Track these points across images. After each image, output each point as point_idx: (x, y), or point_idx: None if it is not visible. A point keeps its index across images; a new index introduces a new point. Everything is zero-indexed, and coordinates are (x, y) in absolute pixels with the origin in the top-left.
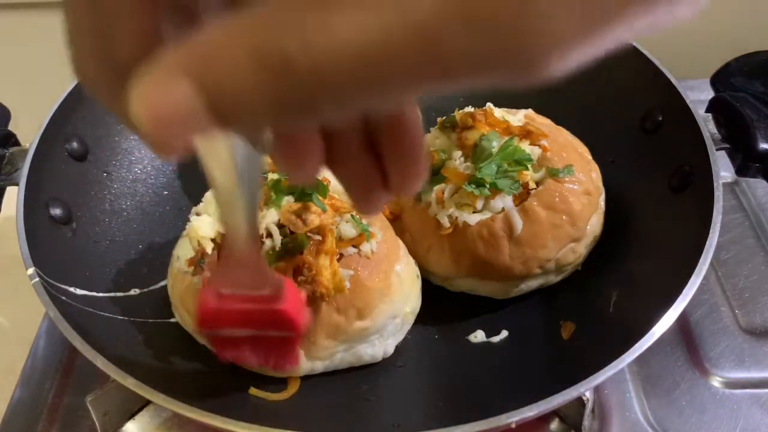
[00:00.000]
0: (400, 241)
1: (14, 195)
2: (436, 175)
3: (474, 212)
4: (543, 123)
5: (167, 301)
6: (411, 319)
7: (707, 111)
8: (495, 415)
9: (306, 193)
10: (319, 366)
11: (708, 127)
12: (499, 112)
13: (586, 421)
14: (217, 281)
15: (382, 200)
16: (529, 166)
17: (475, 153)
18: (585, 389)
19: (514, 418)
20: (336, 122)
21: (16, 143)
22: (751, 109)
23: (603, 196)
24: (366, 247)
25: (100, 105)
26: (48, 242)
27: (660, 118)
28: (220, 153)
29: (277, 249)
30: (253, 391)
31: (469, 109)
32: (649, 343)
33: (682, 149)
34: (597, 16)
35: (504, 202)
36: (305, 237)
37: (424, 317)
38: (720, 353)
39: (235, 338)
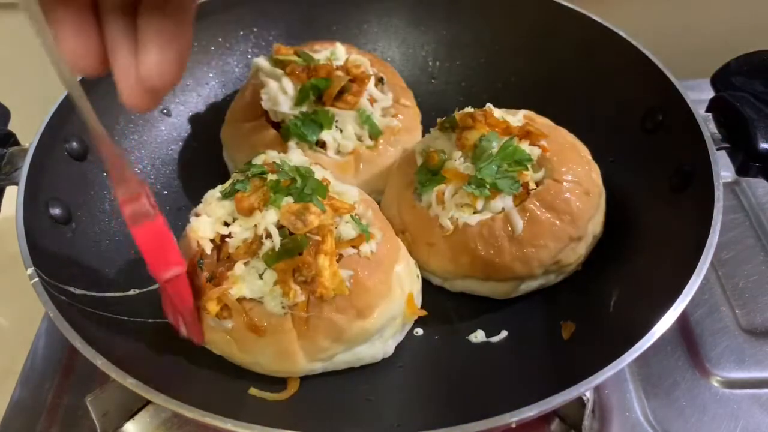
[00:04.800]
0: (400, 242)
1: (14, 195)
2: (436, 175)
3: (474, 213)
4: (543, 123)
5: None
6: (411, 320)
7: (707, 111)
8: (495, 415)
9: (305, 193)
10: (318, 367)
11: (708, 126)
12: (498, 113)
13: (586, 421)
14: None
15: (145, 95)
16: (529, 166)
17: (475, 153)
18: (585, 389)
19: (514, 418)
20: None
21: (16, 143)
22: (751, 109)
23: (603, 196)
24: (366, 248)
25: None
26: (48, 242)
27: (660, 118)
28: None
29: (277, 249)
30: (253, 391)
31: (469, 109)
32: (649, 343)
33: (682, 149)
34: None
35: (504, 202)
36: (305, 238)
37: (424, 317)
38: (720, 353)
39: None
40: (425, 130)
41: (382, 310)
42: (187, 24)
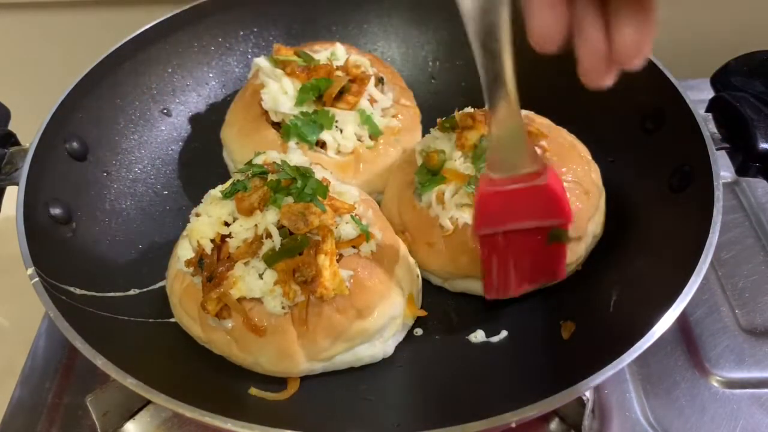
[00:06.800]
0: (401, 242)
1: (14, 195)
2: (436, 175)
3: None
4: (542, 123)
5: (167, 301)
6: (411, 320)
7: (707, 111)
8: (495, 415)
9: (306, 193)
10: (318, 367)
11: (708, 126)
12: None
13: (586, 421)
14: (490, 166)
15: (607, 72)
16: None
17: (475, 153)
18: (585, 389)
19: (514, 418)
20: None
21: (16, 143)
22: (751, 109)
23: (603, 196)
24: (366, 248)
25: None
26: (48, 242)
27: (660, 118)
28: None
29: (277, 249)
30: (253, 391)
31: (469, 109)
32: (649, 343)
33: (682, 149)
34: None
35: None
36: (305, 237)
37: (424, 317)
38: (720, 353)
39: (506, 267)
40: (425, 130)
41: (382, 310)
42: (653, 6)
